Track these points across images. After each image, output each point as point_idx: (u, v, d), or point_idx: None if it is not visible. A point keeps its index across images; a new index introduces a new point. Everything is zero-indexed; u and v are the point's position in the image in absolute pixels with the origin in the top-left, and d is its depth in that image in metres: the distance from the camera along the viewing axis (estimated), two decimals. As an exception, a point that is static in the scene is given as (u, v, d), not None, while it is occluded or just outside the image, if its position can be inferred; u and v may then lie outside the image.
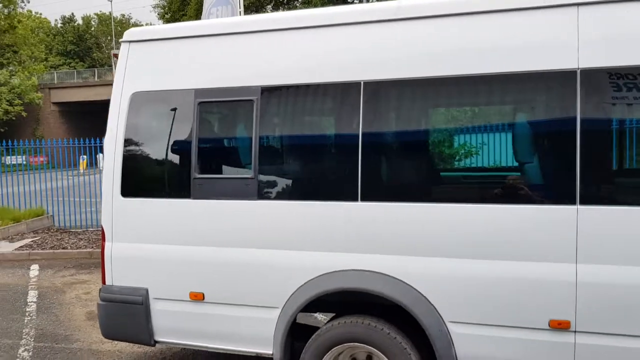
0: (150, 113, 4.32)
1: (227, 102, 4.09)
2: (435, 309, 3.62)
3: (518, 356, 3.52)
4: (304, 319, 4.33)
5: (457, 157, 3.70)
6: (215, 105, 4.13)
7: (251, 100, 3.97)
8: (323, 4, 28.77)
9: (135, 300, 4.28)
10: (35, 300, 7.59)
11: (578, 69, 3.35)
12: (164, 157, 4.31)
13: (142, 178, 4.35)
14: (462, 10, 3.59)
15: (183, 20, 34.16)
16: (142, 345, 5.40)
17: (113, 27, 62.58)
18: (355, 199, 3.74)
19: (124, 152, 4.30)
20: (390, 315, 3.79)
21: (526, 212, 3.44)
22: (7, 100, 41.42)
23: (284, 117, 4.02)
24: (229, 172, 4.17)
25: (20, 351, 5.71)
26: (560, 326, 3.40)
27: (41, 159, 19.37)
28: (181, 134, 4.20)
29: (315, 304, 4.00)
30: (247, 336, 4.07)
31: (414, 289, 3.64)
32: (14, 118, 42.21)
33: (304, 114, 4.01)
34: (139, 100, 4.29)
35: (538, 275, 3.41)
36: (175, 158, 4.25)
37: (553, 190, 3.46)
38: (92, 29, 68.94)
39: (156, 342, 4.35)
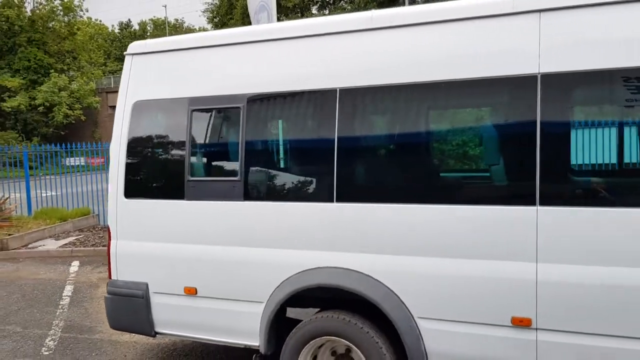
0: (150, 120, 4.64)
1: (217, 109, 4.36)
2: (405, 305, 3.78)
3: (483, 352, 3.64)
4: (302, 315, 4.55)
5: (423, 160, 3.85)
6: (206, 112, 4.41)
7: (238, 107, 4.24)
8: (367, 5, 28.95)
9: (137, 294, 4.62)
10: (70, 294, 8.10)
11: (539, 74, 3.45)
12: (162, 161, 4.62)
13: (143, 180, 4.68)
14: (428, 19, 3.74)
15: (230, 24, 35.09)
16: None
17: (167, 31, 64.44)
18: (331, 200, 3.95)
19: (126, 156, 4.65)
20: (370, 311, 3.96)
21: (490, 212, 3.56)
22: (67, 105, 43.29)
23: (268, 123, 4.26)
24: (218, 174, 4.44)
25: (47, 340, 6.17)
26: (522, 323, 3.51)
27: (99, 160, 20.22)
28: (177, 140, 4.50)
29: (302, 300, 4.23)
30: (236, 329, 4.33)
31: (385, 285, 3.82)
32: (73, 122, 44.08)
33: (285, 121, 4.24)
34: (140, 109, 4.62)
35: (501, 273, 3.53)
36: (172, 162, 4.55)
37: (514, 191, 3.57)
38: (148, 34, 71.14)
39: (157, 333, 4.67)
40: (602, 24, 3.36)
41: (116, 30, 72.25)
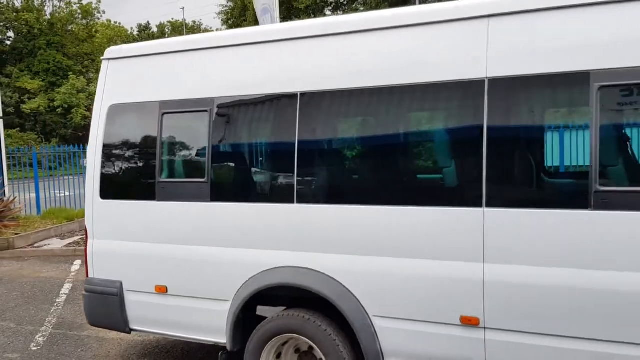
0: (124, 123, 4.78)
1: (187, 112, 4.49)
2: (361, 303, 3.87)
3: (436, 350, 3.72)
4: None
5: (377, 163, 3.94)
6: (176, 115, 4.53)
7: (206, 111, 4.37)
8: (379, 5, 28.96)
9: (112, 292, 4.77)
10: (67, 292, 8.31)
11: (486, 78, 3.52)
12: (135, 163, 4.76)
13: (117, 182, 4.83)
14: (381, 25, 3.84)
15: (244, 25, 35.30)
16: (142, 335, 5.93)
17: (185, 33, 64.97)
18: (291, 202, 4.05)
19: (102, 158, 4.80)
20: (332, 310, 4.05)
21: (439, 213, 3.64)
22: (85, 106, 43.91)
23: (233, 126, 4.38)
24: (187, 176, 4.57)
25: (37, 336, 6.36)
26: (470, 322, 3.58)
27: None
28: (149, 142, 4.64)
29: (274, 298, 4.35)
30: (205, 326, 4.45)
31: (342, 284, 3.91)
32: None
33: (249, 124, 4.36)
34: (115, 112, 4.77)
35: (449, 273, 3.61)
36: (144, 164, 4.69)
37: (463, 193, 3.64)
38: (166, 35, 71.77)
39: (131, 330, 4.82)
40: (548, 29, 3.42)
41: (135, 33, 72.99)
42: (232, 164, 4.46)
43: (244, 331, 4.36)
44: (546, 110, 3.63)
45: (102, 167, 4.80)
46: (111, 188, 4.79)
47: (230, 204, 4.29)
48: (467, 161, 3.63)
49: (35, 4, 47.02)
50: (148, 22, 72.62)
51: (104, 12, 57.68)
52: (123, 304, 4.76)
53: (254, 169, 4.38)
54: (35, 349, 6.00)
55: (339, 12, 35.89)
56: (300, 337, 4.08)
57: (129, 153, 4.77)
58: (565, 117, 3.54)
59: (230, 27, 37.97)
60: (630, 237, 3.18)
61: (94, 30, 49.40)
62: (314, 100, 4.02)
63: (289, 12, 33.83)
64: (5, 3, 46.83)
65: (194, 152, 4.57)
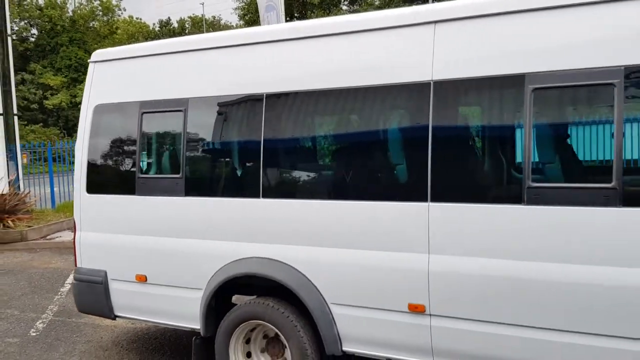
0: (108, 122, 5.08)
1: (164, 112, 4.77)
2: (319, 291, 4.12)
3: (387, 336, 3.95)
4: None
5: (332, 160, 4.18)
6: (155, 115, 4.81)
7: (181, 110, 4.65)
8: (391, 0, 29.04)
9: (97, 281, 5.08)
10: (72, 282, 8.68)
11: (432, 81, 3.74)
12: (117, 159, 5.07)
13: (102, 177, 5.14)
14: (338, 30, 4.08)
15: (259, 21, 35.58)
16: (134, 322, 6.27)
17: (205, 29, 65.51)
18: (257, 196, 4.32)
19: (88, 155, 5.11)
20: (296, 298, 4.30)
21: (389, 208, 3.87)
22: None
23: (206, 125, 4.65)
24: (164, 172, 4.85)
25: (37, 323, 6.74)
26: (417, 310, 3.81)
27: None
28: (130, 140, 4.93)
29: (250, 288, 4.62)
30: (182, 313, 4.74)
31: (302, 273, 4.16)
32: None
33: (220, 123, 4.62)
34: (100, 112, 5.08)
35: (398, 263, 3.84)
36: (126, 160, 4.99)
37: (410, 188, 3.86)
38: (187, 31, 72.38)
39: (116, 316, 5.14)
40: (487, 34, 3.62)
41: (156, 29, 73.76)
42: (204, 161, 4.73)
43: (217, 318, 4.64)
44: (485, 111, 3.83)
45: (88, 163, 5.11)
46: (96, 183, 5.10)
47: (203, 199, 4.57)
48: (414, 159, 3.86)
49: (58, 1, 47.88)
50: (169, 17, 73.18)
51: (125, 9, 58.34)
52: (108, 292, 5.07)
53: (224, 166, 4.65)
54: (34, 334, 6.37)
55: (354, 7, 35.98)
56: (266, 323, 4.35)
57: (112, 150, 5.08)
58: (502, 118, 3.73)
59: (247, 22, 38.37)
60: (560, 230, 3.38)
61: (114, 26, 50.15)
62: (278, 101, 4.28)
63: (303, 7, 34.07)
64: (29, 1, 47.81)
65: (170, 150, 4.85)
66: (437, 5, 3.86)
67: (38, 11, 47.00)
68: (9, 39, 12.73)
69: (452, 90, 3.70)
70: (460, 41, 3.70)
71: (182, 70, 4.69)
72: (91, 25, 49.65)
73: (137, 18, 67.73)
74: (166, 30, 72.03)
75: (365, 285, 3.97)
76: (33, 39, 48.18)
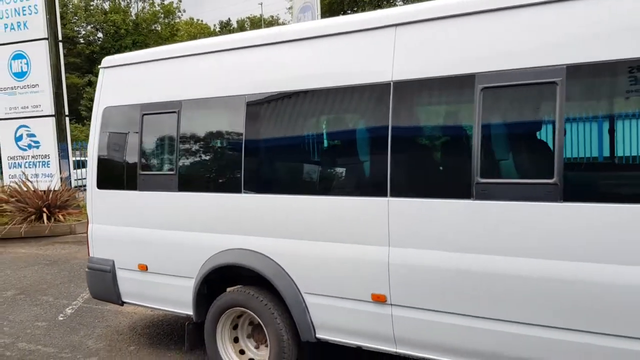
0: (114, 123, 5.50)
1: (160, 114, 5.13)
2: (293, 281, 4.37)
3: (354, 324, 4.17)
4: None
5: (304, 158, 4.42)
6: (153, 116, 5.18)
7: (175, 112, 5.00)
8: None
9: (106, 269, 5.52)
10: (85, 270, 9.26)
11: (392, 81, 3.92)
12: (122, 157, 5.47)
13: (109, 174, 5.55)
14: (306, 35, 4.33)
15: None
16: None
17: (263, 28, 66.60)
18: (239, 191, 4.61)
19: (98, 153, 5.55)
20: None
21: (353, 202, 4.08)
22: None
23: (195, 125, 4.97)
24: (160, 169, 5.21)
25: (67, 309, 7.29)
26: (379, 299, 4.01)
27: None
28: (133, 139, 5.33)
29: (240, 278, 4.92)
30: (179, 300, 5.09)
31: (278, 264, 4.43)
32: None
33: (208, 124, 4.94)
34: (108, 114, 5.50)
35: (362, 255, 4.04)
36: (129, 158, 5.38)
37: (372, 184, 4.06)
38: (247, 30, 73.80)
39: (123, 302, 5.55)
40: (443, 36, 3.77)
41: (217, 30, 75.51)
42: (194, 158, 5.06)
43: (209, 305, 4.96)
44: (439, 110, 3.97)
45: (98, 160, 5.54)
46: (105, 179, 5.53)
47: (193, 194, 4.90)
48: (375, 156, 4.05)
49: (122, 6, 49.88)
50: (229, 18, 74.87)
51: (184, 11, 60.14)
52: (115, 280, 5.50)
53: (212, 163, 4.96)
54: (61, 319, 6.91)
55: (407, 1, 35.79)
56: (248, 310, 4.64)
57: (117, 149, 5.49)
58: (455, 117, 3.86)
59: (300, 21, 38.92)
60: (506, 224, 3.50)
61: (175, 28, 51.78)
62: (257, 102, 4.55)
63: (355, 3, 34.16)
64: (95, 5, 50.05)
65: (166, 148, 5.20)
66: (397, 9, 4.05)
67: (103, 15, 49.08)
68: (60, 44, 13.54)
69: (410, 90, 3.87)
70: (418, 43, 3.87)
71: (175, 74, 5.04)
72: (153, 28, 51.39)
73: (198, 19, 69.80)
74: (226, 30, 73.64)
75: (334, 276, 4.20)
76: (99, 43, 50.32)
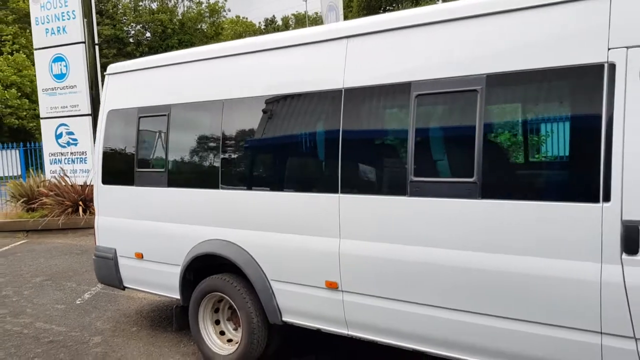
0: (116, 125, 6.07)
1: (153, 116, 5.67)
2: (261, 269, 4.83)
3: (314, 308, 4.59)
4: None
5: (268, 158, 4.88)
6: (148, 118, 5.73)
7: (165, 115, 5.53)
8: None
9: (110, 257, 6.11)
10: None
11: (343, 88, 4.33)
12: (122, 155, 6.04)
13: (112, 170, 6.14)
14: (264, 47, 4.81)
15: (349, 16, 36.43)
16: (161, 296, 7.28)
17: (307, 25, 67.26)
18: (217, 187, 5.10)
19: (102, 152, 6.14)
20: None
21: (310, 198, 4.51)
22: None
23: (181, 127, 5.49)
24: (153, 167, 5.74)
25: (85, 294, 7.97)
26: (331, 286, 4.43)
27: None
28: (131, 139, 5.89)
29: (219, 265, 5.42)
30: (169, 285, 5.62)
31: (248, 253, 4.89)
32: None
33: (192, 125, 5.45)
34: (112, 116, 6.09)
35: (317, 245, 4.46)
36: (128, 156, 5.95)
37: (325, 182, 4.46)
38: (290, 28, 74.59)
39: (124, 287, 6.14)
40: (385, 47, 4.16)
41: (262, 27, 76.58)
42: (181, 157, 5.57)
43: (193, 290, 5.48)
44: (382, 115, 4.34)
45: (103, 159, 6.14)
46: (108, 175, 6.12)
47: (180, 189, 5.42)
48: (329, 156, 4.46)
49: (169, 5, 51.30)
50: (273, 15, 75.91)
51: (229, 10, 61.33)
52: (117, 266, 6.08)
53: (195, 161, 5.46)
54: (78, 302, 7.58)
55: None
56: (224, 295, 5.13)
57: (119, 148, 6.07)
58: (396, 121, 4.21)
59: (327, 19, 39.37)
60: (434, 218, 3.87)
61: (220, 27, 52.94)
62: (233, 106, 5.03)
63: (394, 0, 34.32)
64: (144, 6, 51.64)
65: (158, 147, 5.73)
66: (349, 22, 4.44)
67: (151, 15, 50.59)
68: (96, 47, 14.36)
69: (358, 96, 4.27)
70: (365, 54, 4.26)
71: (165, 81, 5.57)
72: (199, 27, 52.66)
73: (243, 18, 71.00)
74: (271, 28, 74.68)
75: (295, 265, 4.64)
76: (147, 42, 51.89)
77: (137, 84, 5.89)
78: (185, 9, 53.09)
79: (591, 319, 3.34)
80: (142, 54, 50.48)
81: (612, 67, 3.24)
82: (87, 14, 14.19)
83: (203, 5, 52.59)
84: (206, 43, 51.94)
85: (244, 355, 5.00)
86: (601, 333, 3.33)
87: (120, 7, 50.77)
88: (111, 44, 48.23)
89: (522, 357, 3.62)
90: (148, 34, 52.29)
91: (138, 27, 52.45)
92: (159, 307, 7.23)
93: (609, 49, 3.26)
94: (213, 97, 5.16)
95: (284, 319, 4.81)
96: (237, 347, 5.07)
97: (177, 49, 49.02)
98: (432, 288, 3.93)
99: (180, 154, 5.56)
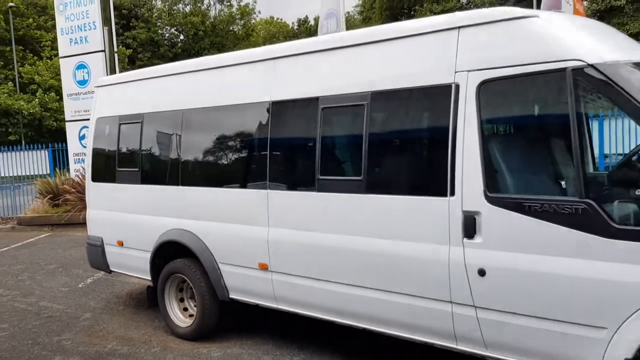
0: (103, 130, 7.02)
1: (130, 123, 6.60)
2: (212, 253, 5.70)
3: (252, 286, 5.43)
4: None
5: (215, 160, 5.73)
6: (126, 125, 6.66)
7: (139, 122, 6.45)
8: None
9: (98, 244, 7.07)
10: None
11: (270, 101, 5.16)
12: (107, 157, 6.99)
13: (98, 169, 7.09)
14: (206, 66, 5.70)
15: (372, 17, 37.19)
16: (138, 278, 8.17)
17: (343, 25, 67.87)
18: (178, 184, 5.99)
19: (92, 153, 7.11)
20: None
21: (246, 193, 5.36)
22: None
23: (152, 133, 6.40)
24: (130, 166, 6.67)
25: (88, 279, 8.99)
26: (263, 267, 5.26)
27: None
28: (113, 143, 6.83)
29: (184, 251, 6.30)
30: (143, 269, 6.52)
31: (201, 240, 5.76)
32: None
33: (160, 131, 6.35)
34: (99, 123, 7.05)
35: (251, 233, 5.30)
36: (111, 157, 6.89)
37: (258, 180, 5.29)
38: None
39: (111, 271, 7.10)
40: (302, 66, 4.98)
41: (295, 27, 77.60)
42: (151, 158, 6.48)
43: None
44: (298, 124, 5.14)
45: (92, 159, 7.11)
46: (96, 174, 7.09)
47: (150, 186, 6.34)
48: (260, 157, 5.29)
49: (202, 8, 52.80)
50: (306, 16, 76.82)
51: (260, 12, 62.53)
52: (104, 253, 7.04)
53: (162, 162, 6.36)
54: (80, 286, 8.60)
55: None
56: (184, 276, 6.02)
57: (104, 150, 7.02)
58: (308, 129, 4.94)
59: (364, 20, 40.03)
60: (334, 210, 4.67)
61: (250, 29, 54.22)
62: (189, 116, 5.91)
63: (415, 1, 34.81)
64: (177, 9, 53.27)
65: (134, 150, 6.65)
66: (277, 45, 5.28)
67: (184, 18, 52.19)
68: (115, 55, 15.49)
69: (281, 108, 5.09)
70: (287, 72, 5.08)
71: (139, 93, 6.51)
72: (230, 29, 54.05)
73: (278, 19, 72.17)
74: (304, 28, 75.55)
75: (236, 249, 5.49)
76: (180, 44, 53.52)
77: (118, 95, 6.83)
78: (217, 12, 54.56)
79: (444, 291, 4.10)
80: (175, 56, 52.03)
81: (457, 87, 3.99)
82: (107, 24, 15.32)
83: (234, 8, 53.95)
84: (237, 44, 53.45)
85: (199, 327, 5.89)
86: (451, 302, 4.08)
87: (155, 10, 52.46)
88: (146, 47, 49.92)
89: (396, 322, 4.41)
90: (182, 37, 53.87)
91: (172, 30, 54.06)
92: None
93: (455, 72, 4.01)
94: (174, 107, 6.06)
95: (230, 296, 5.67)
96: (194, 320, 5.96)
97: (208, 50, 50.72)
98: (334, 267, 4.72)
99: (151, 155, 6.47)
